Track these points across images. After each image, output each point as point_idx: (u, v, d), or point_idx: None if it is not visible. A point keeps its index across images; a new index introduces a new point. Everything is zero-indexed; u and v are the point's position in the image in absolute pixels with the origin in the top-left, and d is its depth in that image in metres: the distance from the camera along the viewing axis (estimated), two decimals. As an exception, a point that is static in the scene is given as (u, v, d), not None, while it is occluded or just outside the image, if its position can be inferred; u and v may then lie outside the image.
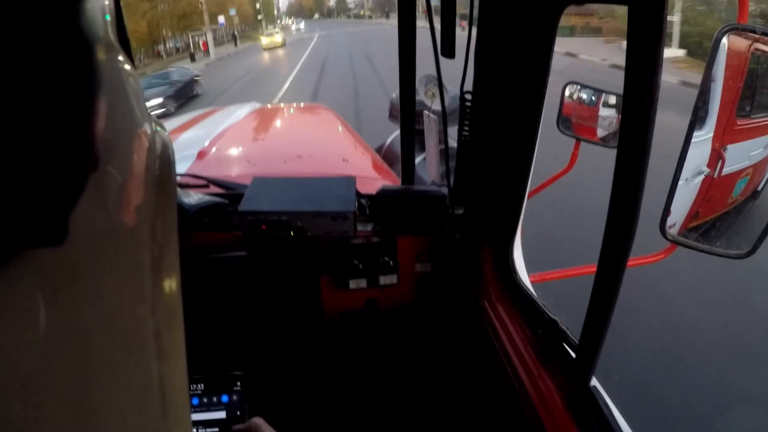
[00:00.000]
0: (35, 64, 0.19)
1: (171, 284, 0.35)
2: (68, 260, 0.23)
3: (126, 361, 0.29)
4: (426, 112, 1.35)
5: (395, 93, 3.07)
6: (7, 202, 0.19)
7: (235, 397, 1.05)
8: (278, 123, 3.39)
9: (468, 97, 1.18)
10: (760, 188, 1.63)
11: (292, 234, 1.30)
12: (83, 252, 0.24)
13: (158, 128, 0.36)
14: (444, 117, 1.23)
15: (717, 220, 1.57)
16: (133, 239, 0.31)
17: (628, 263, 0.72)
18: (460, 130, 1.25)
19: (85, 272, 0.25)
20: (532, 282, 1.23)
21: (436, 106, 1.31)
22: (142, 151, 0.32)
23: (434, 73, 1.20)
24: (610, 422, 0.80)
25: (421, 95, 1.34)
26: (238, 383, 1.05)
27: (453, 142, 1.33)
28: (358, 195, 1.42)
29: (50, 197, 0.20)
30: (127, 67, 0.31)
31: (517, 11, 1.01)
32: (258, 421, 0.90)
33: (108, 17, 0.28)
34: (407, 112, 1.41)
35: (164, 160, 0.35)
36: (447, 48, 1.09)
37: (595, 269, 0.78)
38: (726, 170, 1.53)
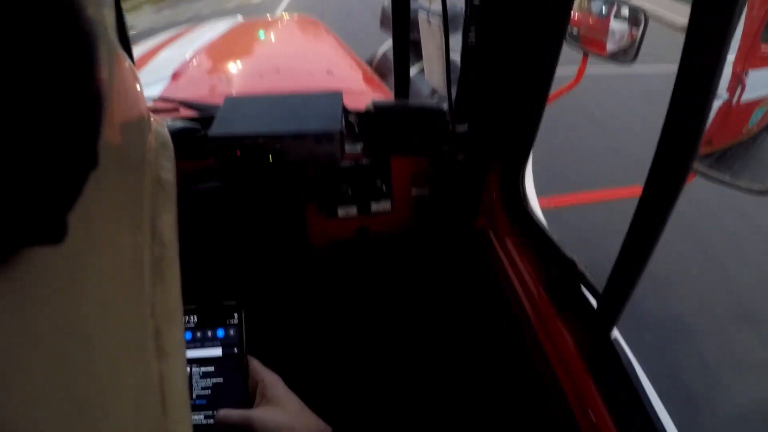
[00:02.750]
0: (34, 63, 0.18)
1: (171, 284, 0.36)
2: (68, 259, 0.23)
3: (126, 360, 0.29)
4: (423, 14, 1.19)
5: (386, 0, 2.88)
6: (5, 200, 0.18)
7: (231, 332, 0.95)
8: (260, 37, 3.16)
9: None
10: (777, 120, 1.56)
11: (270, 159, 1.18)
12: (83, 251, 0.24)
13: (158, 127, 0.37)
14: (445, 20, 1.07)
15: (730, 149, 1.51)
16: (133, 238, 0.31)
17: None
18: (465, 36, 1.09)
19: (84, 271, 0.25)
20: (541, 207, 1.12)
21: (436, 7, 1.15)
22: (142, 149, 0.33)
23: None
24: (633, 381, 0.72)
25: None
26: (235, 315, 0.95)
27: (453, 53, 1.18)
28: (346, 112, 1.28)
29: (49, 195, 0.20)
30: (128, 65, 0.32)
31: None
32: (254, 363, 0.83)
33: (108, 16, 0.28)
34: (401, 16, 1.25)
35: (165, 158, 0.36)
36: None
37: (620, 193, 0.66)
38: (745, 97, 1.45)
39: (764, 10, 1.32)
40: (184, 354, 0.37)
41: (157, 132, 0.37)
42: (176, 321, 0.36)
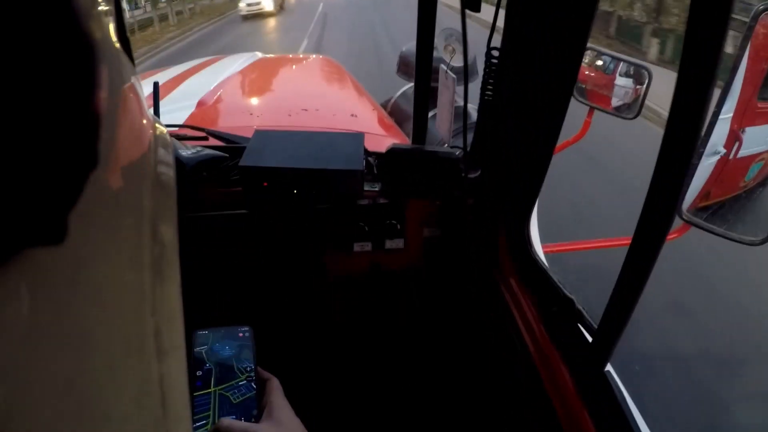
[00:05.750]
0: (36, 65, 0.19)
1: (171, 284, 0.36)
2: (68, 259, 0.23)
3: (126, 360, 0.29)
4: (443, 67, 1.28)
5: (405, 47, 2.98)
6: (7, 201, 0.18)
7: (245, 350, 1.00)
8: (282, 74, 3.26)
9: (495, 54, 1.10)
10: (773, 175, 1.61)
11: (295, 192, 1.24)
12: (83, 251, 0.24)
13: (159, 128, 0.37)
14: (465, 74, 1.15)
15: (727, 203, 1.56)
16: (133, 239, 0.31)
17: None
18: (483, 90, 1.17)
19: (85, 271, 0.25)
20: (544, 253, 1.18)
21: (455, 62, 1.23)
22: (143, 150, 0.32)
23: (457, 27, 1.12)
24: (624, 412, 0.77)
25: (439, 50, 1.27)
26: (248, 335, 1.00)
27: (470, 103, 1.25)
28: (366, 153, 1.35)
29: (50, 196, 0.20)
30: (129, 67, 0.32)
31: None
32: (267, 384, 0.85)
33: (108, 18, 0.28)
34: (424, 67, 1.32)
35: (165, 159, 0.36)
36: (472, 0, 1.01)
37: (613, 243, 0.74)
38: (742, 153, 1.50)
39: (761, 69, 1.39)
40: (185, 354, 0.37)
41: (159, 134, 0.36)
42: (176, 321, 0.36)
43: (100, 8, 0.26)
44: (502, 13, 1.04)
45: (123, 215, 0.29)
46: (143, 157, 0.32)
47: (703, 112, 0.59)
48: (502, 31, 1.08)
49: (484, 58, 1.13)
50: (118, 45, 0.30)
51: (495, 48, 1.09)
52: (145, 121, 0.33)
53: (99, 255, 0.26)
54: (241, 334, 0.95)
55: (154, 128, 0.36)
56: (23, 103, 0.18)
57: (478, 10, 1.01)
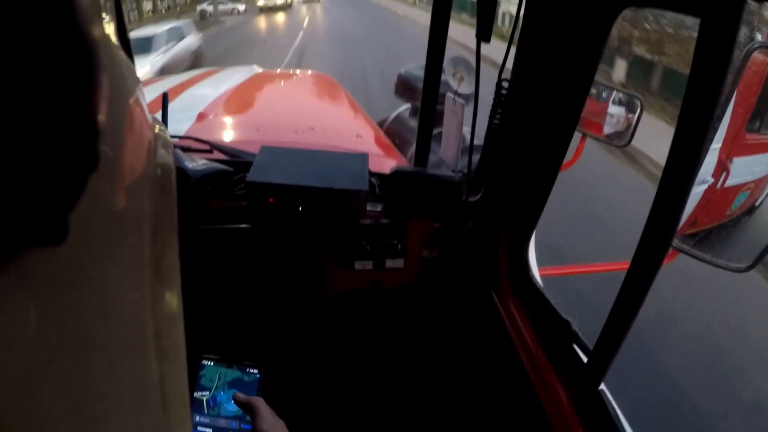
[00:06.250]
0: (36, 66, 0.19)
1: (171, 284, 0.36)
2: (69, 260, 0.23)
3: (126, 360, 0.29)
4: (450, 94, 1.32)
5: (404, 68, 3.02)
6: (7, 202, 0.18)
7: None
8: (282, 90, 3.29)
9: (505, 84, 1.15)
10: (758, 203, 1.66)
11: (300, 209, 1.26)
12: (84, 252, 0.24)
13: (159, 129, 0.37)
14: (476, 103, 1.19)
15: (714, 230, 1.60)
16: (133, 240, 0.31)
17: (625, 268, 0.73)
18: (491, 117, 1.21)
19: (85, 272, 0.25)
20: (541, 275, 1.22)
21: (462, 89, 1.28)
22: (143, 151, 0.32)
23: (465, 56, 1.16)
24: (618, 427, 0.80)
25: (447, 76, 1.31)
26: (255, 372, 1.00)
27: (469, 128, 1.29)
28: (369, 173, 1.38)
29: (50, 198, 0.20)
30: (129, 67, 0.32)
31: (569, 8, 0.97)
32: (259, 403, 0.87)
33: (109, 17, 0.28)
34: (431, 92, 1.35)
35: (165, 161, 0.36)
36: (483, 31, 1.05)
37: (609, 267, 0.77)
38: (729, 182, 1.55)
39: (750, 103, 1.45)
40: (184, 354, 0.37)
41: (159, 134, 0.36)
42: (177, 322, 0.36)
43: (99, 6, 0.26)
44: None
45: (123, 216, 0.29)
46: (144, 157, 0.32)
47: (703, 145, 0.63)
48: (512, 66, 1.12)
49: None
50: (118, 44, 0.30)
51: (506, 79, 1.14)
52: (145, 122, 0.33)
53: (99, 256, 0.26)
54: (248, 379, 0.97)
55: (154, 129, 0.35)
56: (25, 104, 0.18)
57: (488, 40, 1.06)
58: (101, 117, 0.23)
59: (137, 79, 0.32)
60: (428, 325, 1.47)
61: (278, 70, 4.54)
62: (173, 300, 0.36)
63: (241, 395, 0.84)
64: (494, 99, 1.18)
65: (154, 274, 0.33)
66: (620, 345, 0.78)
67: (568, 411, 0.90)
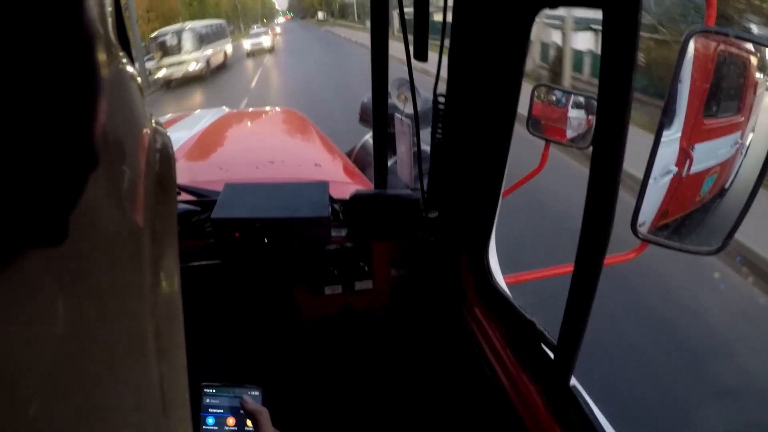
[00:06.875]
0: (35, 64, 0.19)
1: (171, 283, 0.36)
2: (69, 260, 0.23)
3: (126, 360, 0.29)
4: (398, 115, 1.34)
5: (366, 96, 3.06)
6: (7, 201, 0.18)
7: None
8: (249, 128, 3.33)
9: (441, 99, 1.17)
10: (727, 186, 1.67)
11: (266, 241, 1.28)
12: (84, 252, 0.24)
13: (158, 128, 0.37)
14: (416, 120, 1.22)
15: (686, 218, 1.60)
16: (133, 239, 0.31)
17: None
18: (433, 133, 1.24)
19: (85, 272, 0.24)
20: (507, 284, 1.23)
21: (409, 109, 1.30)
22: (143, 150, 0.32)
23: (406, 76, 1.18)
24: (593, 421, 0.80)
25: (393, 98, 1.33)
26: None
27: (425, 146, 1.32)
28: (332, 200, 1.40)
29: (50, 197, 0.20)
30: (128, 66, 0.31)
31: (490, 14, 1.00)
32: (264, 414, 0.86)
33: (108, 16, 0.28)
34: (380, 115, 1.39)
35: (164, 159, 0.35)
36: (420, 51, 1.07)
37: (568, 269, 0.77)
38: (694, 169, 1.56)
39: (704, 89, 1.47)
40: (185, 354, 0.37)
41: (158, 132, 0.36)
42: (177, 321, 0.36)
43: (99, 5, 0.25)
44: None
45: (123, 216, 0.29)
46: (143, 155, 0.32)
47: (623, 136, 0.63)
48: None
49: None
50: (117, 43, 0.30)
51: (441, 94, 1.16)
52: (145, 120, 0.33)
53: (99, 255, 0.26)
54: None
55: (152, 125, 0.35)
56: (23, 103, 0.18)
57: (425, 59, 1.08)
58: (101, 116, 0.23)
59: (135, 76, 0.32)
60: (401, 342, 1.47)
61: (250, 109, 4.57)
62: (173, 299, 0.36)
63: (249, 401, 0.86)
64: (433, 114, 1.19)
65: (154, 274, 0.33)
66: (581, 338, 0.78)
67: (542, 410, 0.90)
